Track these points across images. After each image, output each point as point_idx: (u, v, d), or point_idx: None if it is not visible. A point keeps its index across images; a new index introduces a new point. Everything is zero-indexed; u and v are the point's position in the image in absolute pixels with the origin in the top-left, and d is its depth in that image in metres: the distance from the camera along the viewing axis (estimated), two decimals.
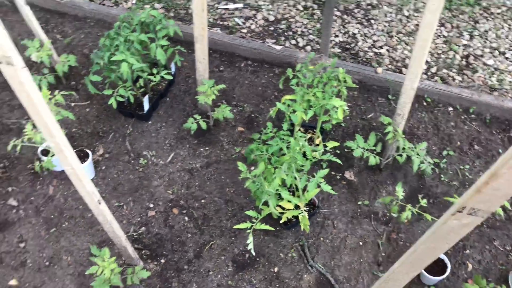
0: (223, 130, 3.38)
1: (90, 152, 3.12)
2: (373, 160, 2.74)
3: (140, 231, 2.84)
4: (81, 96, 3.68)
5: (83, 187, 1.97)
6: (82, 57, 3.98)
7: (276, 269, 2.61)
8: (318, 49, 3.82)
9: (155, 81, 3.29)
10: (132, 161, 3.22)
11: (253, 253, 2.30)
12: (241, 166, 2.45)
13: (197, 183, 3.07)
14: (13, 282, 2.70)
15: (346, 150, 3.11)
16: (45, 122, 1.60)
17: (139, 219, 2.91)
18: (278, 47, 3.83)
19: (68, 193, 3.06)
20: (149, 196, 3.02)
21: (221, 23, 4.32)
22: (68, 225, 2.90)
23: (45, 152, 3.09)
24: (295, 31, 4.21)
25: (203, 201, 2.97)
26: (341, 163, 2.59)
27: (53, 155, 2.96)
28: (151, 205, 2.97)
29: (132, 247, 2.53)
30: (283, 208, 2.41)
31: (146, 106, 3.37)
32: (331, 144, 2.69)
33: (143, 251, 2.74)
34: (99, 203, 2.08)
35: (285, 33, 4.18)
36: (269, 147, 2.45)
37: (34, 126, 2.94)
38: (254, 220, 2.33)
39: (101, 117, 3.53)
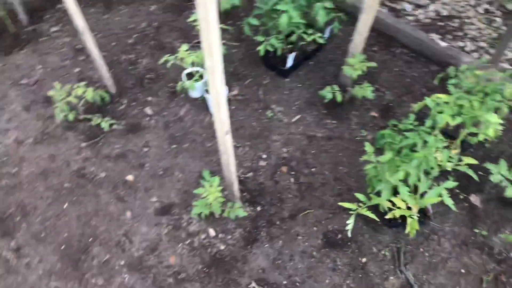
0: (356, 109, 3.36)
1: (226, 90, 3.35)
2: (511, 192, 2.51)
3: (247, 175, 3.02)
4: (233, 36, 3.93)
5: (219, 114, 2.14)
6: (245, 0, 4.20)
7: (364, 260, 2.60)
8: (487, 59, 3.53)
9: (305, 41, 3.37)
10: (260, 110, 3.39)
11: (349, 235, 2.31)
12: (368, 147, 2.44)
13: (313, 151, 3.13)
14: (129, 177, 3.10)
15: (480, 172, 2.89)
16: (211, 40, 1.75)
17: (249, 164, 3.08)
18: (443, 44, 3.62)
19: (196, 119, 3.36)
20: (265, 147, 3.17)
21: (389, 4, 4.20)
22: (188, 147, 3.20)
23: (189, 77, 3.40)
24: (466, 33, 3.92)
25: (313, 169, 3.04)
26: (477, 180, 2.42)
27: (196, 79, 3.24)
28: (264, 156, 3.12)
29: (237, 186, 2.71)
30: (393, 205, 2.36)
31: (289, 63, 3.48)
32: (468, 160, 2.51)
33: (244, 194, 2.92)
34: (226, 134, 2.25)
35: (454, 32, 3.92)
36: (404, 138, 2.39)
37: (187, 48, 3.23)
38: (361, 205, 2.33)
39: (245, 61, 3.74)
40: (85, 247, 2.80)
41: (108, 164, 3.19)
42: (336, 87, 3.19)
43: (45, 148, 3.33)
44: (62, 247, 2.82)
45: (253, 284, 2.56)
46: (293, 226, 2.77)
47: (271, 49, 3.25)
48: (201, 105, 3.45)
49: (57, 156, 3.27)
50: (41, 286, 2.67)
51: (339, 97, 3.13)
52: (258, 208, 2.86)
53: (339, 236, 2.71)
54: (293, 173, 3.03)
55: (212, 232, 2.78)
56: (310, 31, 3.30)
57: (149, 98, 3.56)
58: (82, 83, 3.25)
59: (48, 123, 3.48)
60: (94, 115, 3.34)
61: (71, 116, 3.27)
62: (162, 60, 3.26)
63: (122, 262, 2.72)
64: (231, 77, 3.61)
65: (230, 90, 3.50)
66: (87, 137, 3.36)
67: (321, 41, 3.29)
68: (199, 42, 3.83)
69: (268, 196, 2.92)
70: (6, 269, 2.76)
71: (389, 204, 2.35)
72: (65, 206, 3.00)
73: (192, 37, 3.97)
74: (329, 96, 3.14)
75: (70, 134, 3.40)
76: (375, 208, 2.40)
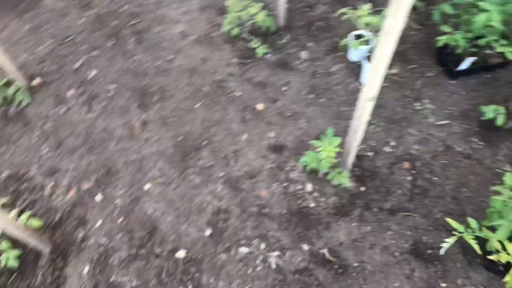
0: (511, 141, 3.14)
1: None
2: None
3: (367, 154, 3.08)
4: (417, 18, 3.85)
5: (373, 79, 2.19)
6: None
7: (443, 285, 2.54)
8: None
9: (492, 51, 3.18)
10: (410, 99, 3.35)
11: (441, 253, 2.28)
12: (508, 179, 2.32)
13: (443, 161, 3.04)
14: (259, 106, 3.36)
15: None
16: (403, 1, 1.79)
17: (375, 144, 3.13)
18: None
19: (343, 80, 3.46)
20: (397, 135, 3.17)
21: None
22: (323, 102, 3.34)
23: (356, 38, 3.47)
24: None
25: (435, 178, 2.97)
26: None
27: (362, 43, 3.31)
28: (392, 143, 3.13)
29: (353, 157, 2.79)
30: (503, 248, 2.25)
31: (464, 66, 3.34)
32: None
33: (356, 169, 3.00)
34: (369, 100, 2.32)
35: None
36: None
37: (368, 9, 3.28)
38: (469, 231, 2.27)
39: (418, 46, 3.68)
40: (198, 147, 3.17)
41: (247, 87, 3.48)
42: (502, 110, 3.00)
43: (202, 50, 3.74)
44: (180, 138, 3.23)
45: (325, 250, 2.68)
46: (388, 220, 2.79)
47: (451, 44, 3.14)
48: (355, 69, 3.52)
49: (209, 61, 3.67)
50: (150, 160, 3.13)
51: (500, 121, 2.95)
52: (362, 188, 2.93)
53: (429, 251, 2.66)
54: (413, 172, 3.00)
55: (309, 187, 2.94)
56: (503, 42, 3.11)
57: (310, 44, 3.73)
58: (259, 5, 3.53)
59: (214, 29, 3.88)
60: (254, 39, 3.63)
61: (235, 31, 3.60)
62: (339, 12, 3.37)
63: (221, 174, 3.04)
64: (398, 56, 3.59)
65: (390, 67, 3.50)
66: (240, 56, 3.68)
67: (511, 57, 3.08)
68: (381, 10, 3.84)
69: (378, 182, 2.95)
70: (129, 134, 3.27)
71: (499, 246, 2.25)
72: (196, 105, 3.40)
73: (377, 3, 3.98)
74: (490, 115, 2.98)
75: (227, 46, 3.76)
76: (482, 242, 2.32)
